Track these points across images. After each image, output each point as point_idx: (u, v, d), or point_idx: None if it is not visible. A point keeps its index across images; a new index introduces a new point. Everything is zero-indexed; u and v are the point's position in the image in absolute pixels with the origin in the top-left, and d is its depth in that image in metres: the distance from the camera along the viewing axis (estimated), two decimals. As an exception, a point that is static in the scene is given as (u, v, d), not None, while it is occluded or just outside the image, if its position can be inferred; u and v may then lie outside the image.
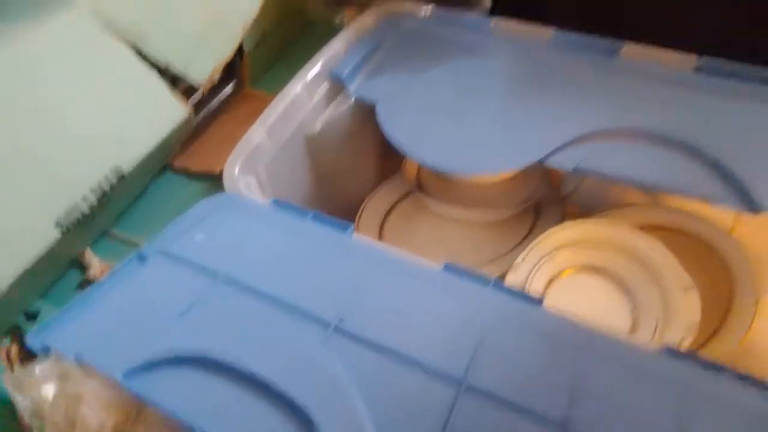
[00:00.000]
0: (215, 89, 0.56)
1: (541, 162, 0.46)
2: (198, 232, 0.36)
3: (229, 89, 0.58)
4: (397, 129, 0.50)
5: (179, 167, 0.57)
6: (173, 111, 0.47)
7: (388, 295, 0.33)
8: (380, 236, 0.60)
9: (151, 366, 0.26)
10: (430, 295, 0.34)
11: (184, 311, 0.29)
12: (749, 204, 0.41)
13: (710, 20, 0.54)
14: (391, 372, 0.27)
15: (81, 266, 0.51)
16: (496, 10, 0.56)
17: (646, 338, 0.43)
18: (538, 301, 0.34)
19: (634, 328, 0.44)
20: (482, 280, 0.35)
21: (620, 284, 0.47)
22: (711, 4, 0.54)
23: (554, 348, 0.31)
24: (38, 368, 0.26)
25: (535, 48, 0.55)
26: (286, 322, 0.29)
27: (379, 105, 0.51)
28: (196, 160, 0.57)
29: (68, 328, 0.29)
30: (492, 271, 0.54)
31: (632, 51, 0.52)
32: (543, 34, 0.55)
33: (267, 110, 0.47)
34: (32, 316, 0.46)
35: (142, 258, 0.35)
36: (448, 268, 0.36)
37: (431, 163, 0.48)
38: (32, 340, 0.29)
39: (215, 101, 0.57)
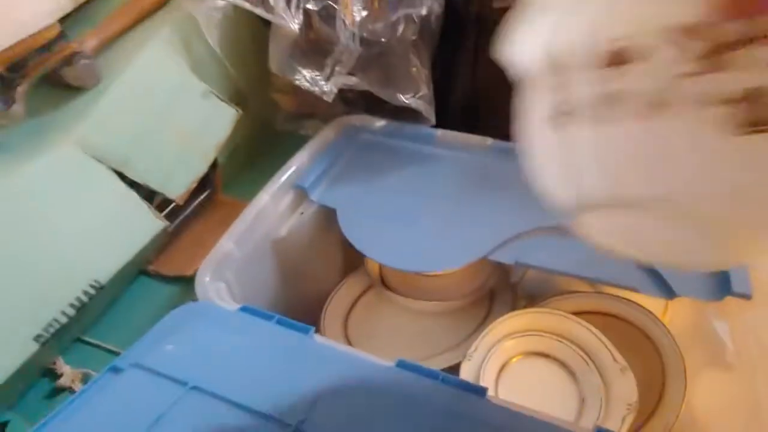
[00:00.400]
0: (189, 198, 0.61)
1: (485, 257, 0.52)
2: (169, 342, 0.39)
3: (203, 197, 0.64)
4: (356, 232, 0.55)
5: (153, 271, 0.60)
6: (150, 224, 0.52)
7: (345, 394, 0.36)
8: (345, 328, 0.64)
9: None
10: (384, 392, 0.37)
11: (151, 423, 0.32)
12: (667, 291, 0.47)
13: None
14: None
15: (52, 374, 0.52)
16: (440, 123, 0.65)
17: (593, 418, 0.46)
18: (482, 392, 0.38)
19: (581, 408, 0.48)
20: (432, 374, 0.39)
21: (565, 367, 0.51)
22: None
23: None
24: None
25: (476, 155, 0.62)
26: (251, 427, 0.32)
27: (339, 210, 0.57)
28: (169, 264, 0.61)
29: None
30: (450, 359, 0.57)
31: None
32: (482, 142, 0.63)
33: (237, 221, 0.52)
34: (2, 428, 0.47)
35: (116, 370, 0.38)
36: (401, 364, 0.40)
37: (387, 262, 0.53)
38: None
39: (189, 210, 0.62)
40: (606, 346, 0.50)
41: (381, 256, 0.54)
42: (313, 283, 0.65)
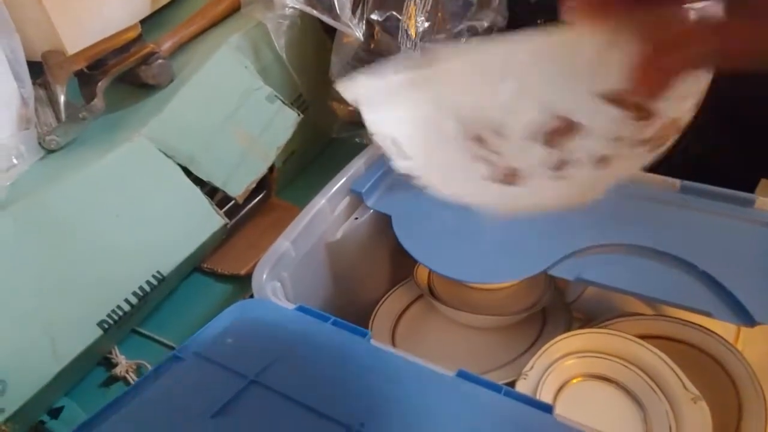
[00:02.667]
0: (246, 199, 0.62)
1: (545, 272, 0.50)
2: (228, 336, 0.39)
3: (258, 199, 0.64)
4: (411, 239, 0.54)
5: (207, 269, 0.61)
6: (211, 220, 0.53)
7: (404, 400, 0.35)
8: (393, 337, 0.62)
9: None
10: (444, 401, 0.36)
11: (212, 414, 0.32)
12: (744, 317, 0.44)
13: (689, 150, 0.60)
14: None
15: (107, 363, 0.53)
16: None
17: (660, 452, 0.43)
18: (548, 409, 0.36)
19: (646, 441, 0.45)
20: (494, 386, 0.37)
21: (629, 394, 0.48)
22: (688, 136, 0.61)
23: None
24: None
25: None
26: (310, 426, 0.31)
27: (394, 217, 0.57)
28: (223, 262, 0.62)
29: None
30: (500, 377, 0.55)
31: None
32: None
33: (294, 222, 0.53)
34: (56, 414, 0.48)
35: (178, 359, 0.38)
36: (462, 374, 0.38)
37: (442, 271, 0.52)
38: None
39: (246, 210, 0.63)
40: (675, 373, 0.46)
41: (435, 265, 0.53)
42: (363, 289, 0.64)
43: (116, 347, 0.54)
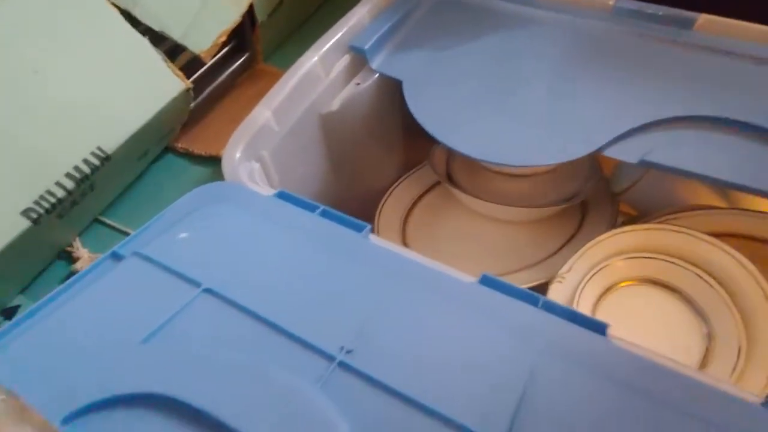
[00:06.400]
0: (226, 63, 0.50)
1: (599, 152, 0.39)
2: (184, 228, 0.30)
3: (240, 63, 0.52)
4: (428, 111, 0.43)
5: (181, 149, 0.51)
6: (167, 85, 0.41)
7: (410, 318, 0.26)
8: (403, 233, 0.54)
9: (102, 407, 0.20)
10: (463, 317, 0.27)
11: (150, 334, 0.23)
12: None
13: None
14: (408, 428, 0.21)
15: (68, 257, 0.46)
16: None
17: (726, 372, 0.35)
18: (601, 329, 0.27)
19: (707, 358, 0.37)
20: (530, 298, 0.28)
21: (690, 303, 0.39)
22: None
23: (627, 399, 0.24)
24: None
25: (591, 20, 0.46)
26: (278, 353, 0.23)
27: (406, 83, 0.44)
28: (200, 142, 0.52)
29: (12, 347, 0.23)
30: (527, 279, 0.46)
31: (709, 24, 0.43)
32: (602, 2, 0.47)
33: (275, 86, 0.41)
34: (9, 313, 0.41)
35: (117, 257, 0.29)
36: (487, 281, 0.29)
37: (467, 151, 0.41)
38: (-28, 359, 0.23)
39: (225, 77, 0.51)
40: (756, 280, 0.37)
41: (458, 144, 0.42)
42: (367, 174, 0.54)
43: (78, 239, 0.46)
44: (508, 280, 0.48)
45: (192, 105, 0.47)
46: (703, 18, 0.44)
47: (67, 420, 0.20)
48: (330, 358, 0.23)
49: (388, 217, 0.53)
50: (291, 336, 0.24)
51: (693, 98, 0.39)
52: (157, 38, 0.41)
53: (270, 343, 0.23)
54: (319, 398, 0.21)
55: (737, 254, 0.38)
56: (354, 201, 0.54)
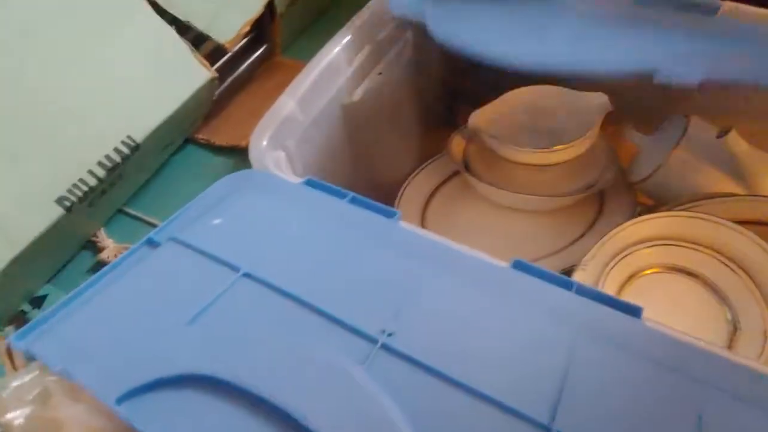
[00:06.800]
0: (244, 54, 0.50)
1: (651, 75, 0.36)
2: (217, 215, 0.30)
3: (259, 54, 0.52)
4: (457, 29, 0.41)
5: (203, 140, 0.51)
6: (194, 74, 0.41)
7: (446, 302, 0.27)
8: (422, 222, 0.54)
9: (153, 388, 0.21)
10: (498, 300, 0.27)
11: (195, 316, 0.24)
12: None
13: None
14: (455, 409, 0.21)
15: (93, 248, 0.46)
16: None
17: (755, 355, 0.35)
18: (635, 312, 0.27)
19: (733, 344, 0.37)
20: (563, 282, 0.28)
21: (715, 291, 0.39)
22: None
23: (663, 377, 0.24)
24: (14, 383, 0.21)
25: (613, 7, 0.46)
26: (319, 335, 0.23)
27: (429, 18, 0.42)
28: (221, 132, 0.52)
29: (59, 330, 0.24)
30: (550, 267, 0.46)
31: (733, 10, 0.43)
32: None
33: (299, 76, 0.41)
34: (38, 303, 0.42)
35: (152, 244, 0.30)
36: (519, 265, 0.29)
37: (509, 61, 0.38)
38: (17, 342, 0.24)
39: (244, 68, 0.51)
40: (779, 266, 0.37)
41: (496, 53, 0.39)
42: (386, 164, 0.54)
43: (102, 229, 0.46)
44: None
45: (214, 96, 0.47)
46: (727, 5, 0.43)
47: (121, 400, 0.20)
48: (372, 340, 0.23)
49: (407, 207, 0.54)
50: (332, 319, 0.24)
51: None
52: (181, 28, 0.41)
53: (312, 326, 0.24)
54: (366, 379, 0.21)
55: (760, 240, 0.38)
56: (373, 191, 0.54)
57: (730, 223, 0.39)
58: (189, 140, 0.52)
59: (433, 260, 0.29)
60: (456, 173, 0.56)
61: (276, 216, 0.31)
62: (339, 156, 0.48)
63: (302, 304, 0.25)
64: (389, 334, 0.23)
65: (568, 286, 0.28)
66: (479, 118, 0.52)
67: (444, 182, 0.57)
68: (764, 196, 0.42)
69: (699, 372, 0.24)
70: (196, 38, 0.44)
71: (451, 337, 0.25)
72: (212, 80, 0.42)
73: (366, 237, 0.30)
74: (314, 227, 0.31)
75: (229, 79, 0.49)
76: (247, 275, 0.26)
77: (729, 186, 0.47)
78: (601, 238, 0.42)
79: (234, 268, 0.26)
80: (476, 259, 0.29)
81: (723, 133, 0.46)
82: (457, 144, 0.55)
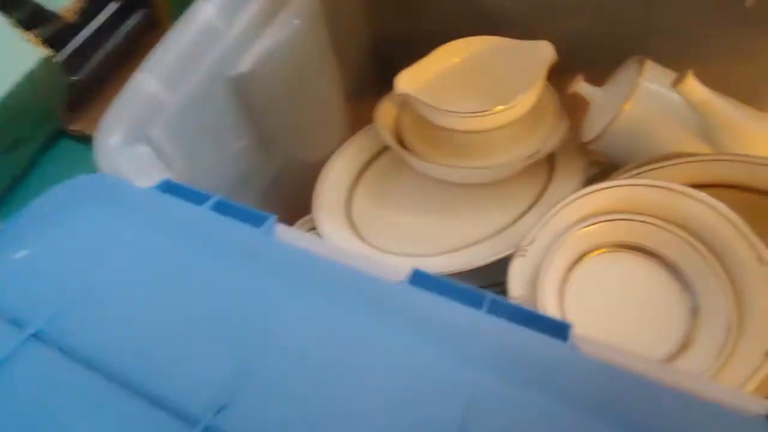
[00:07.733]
0: (115, 25, 0.41)
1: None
2: (24, 244, 0.23)
3: (135, 21, 0.43)
4: None
5: (75, 132, 0.43)
6: (21, 55, 0.33)
7: (314, 340, 0.20)
8: (349, 209, 0.47)
9: None
10: (387, 331, 0.21)
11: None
12: None
13: None
14: None
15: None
16: None
17: (710, 351, 0.30)
18: (561, 331, 0.21)
19: (691, 334, 0.32)
20: (472, 299, 0.22)
21: (674, 270, 0.33)
22: None
23: (594, 425, 0.18)
24: None
25: None
26: (124, 422, 0.17)
27: None
28: (97, 122, 0.44)
29: None
30: (495, 251, 0.40)
31: None
32: None
33: (159, 46, 0.33)
34: None
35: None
36: (418, 278, 0.23)
37: None
38: None
39: (117, 41, 0.43)
40: (746, 238, 0.31)
41: None
42: (303, 144, 0.47)
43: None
44: (473, 253, 0.42)
45: (77, 77, 0.39)
46: None
47: None
48: (193, 422, 0.17)
49: (331, 192, 0.47)
50: (146, 396, 0.17)
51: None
52: (7, 4, 0.33)
53: (116, 409, 0.17)
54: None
55: (724, 209, 0.32)
56: (294, 179, 0.47)
57: (689, 190, 0.33)
58: (61, 133, 0.44)
59: (306, 280, 0.22)
60: (386, 148, 0.49)
61: (109, 238, 0.24)
62: (237, 143, 0.40)
63: (107, 377, 0.18)
64: (219, 410, 0.17)
65: (477, 303, 0.22)
66: (407, 79, 0.44)
67: (375, 158, 0.50)
68: (735, 155, 0.36)
69: (644, 413, 0.19)
70: (33, 15, 0.35)
71: (311, 395, 0.18)
72: (47, 59, 0.34)
73: (225, 256, 0.23)
74: (158, 248, 0.24)
75: (97, 57, 0.41)
76: (36, 336, 0.19)
77: (692, 143, 0.40)
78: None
79: (19, 326, 0.19)
80: (365, 275, 0.23)
81: (680, 79, 0.39)
82: (386, 112, 0.48)
